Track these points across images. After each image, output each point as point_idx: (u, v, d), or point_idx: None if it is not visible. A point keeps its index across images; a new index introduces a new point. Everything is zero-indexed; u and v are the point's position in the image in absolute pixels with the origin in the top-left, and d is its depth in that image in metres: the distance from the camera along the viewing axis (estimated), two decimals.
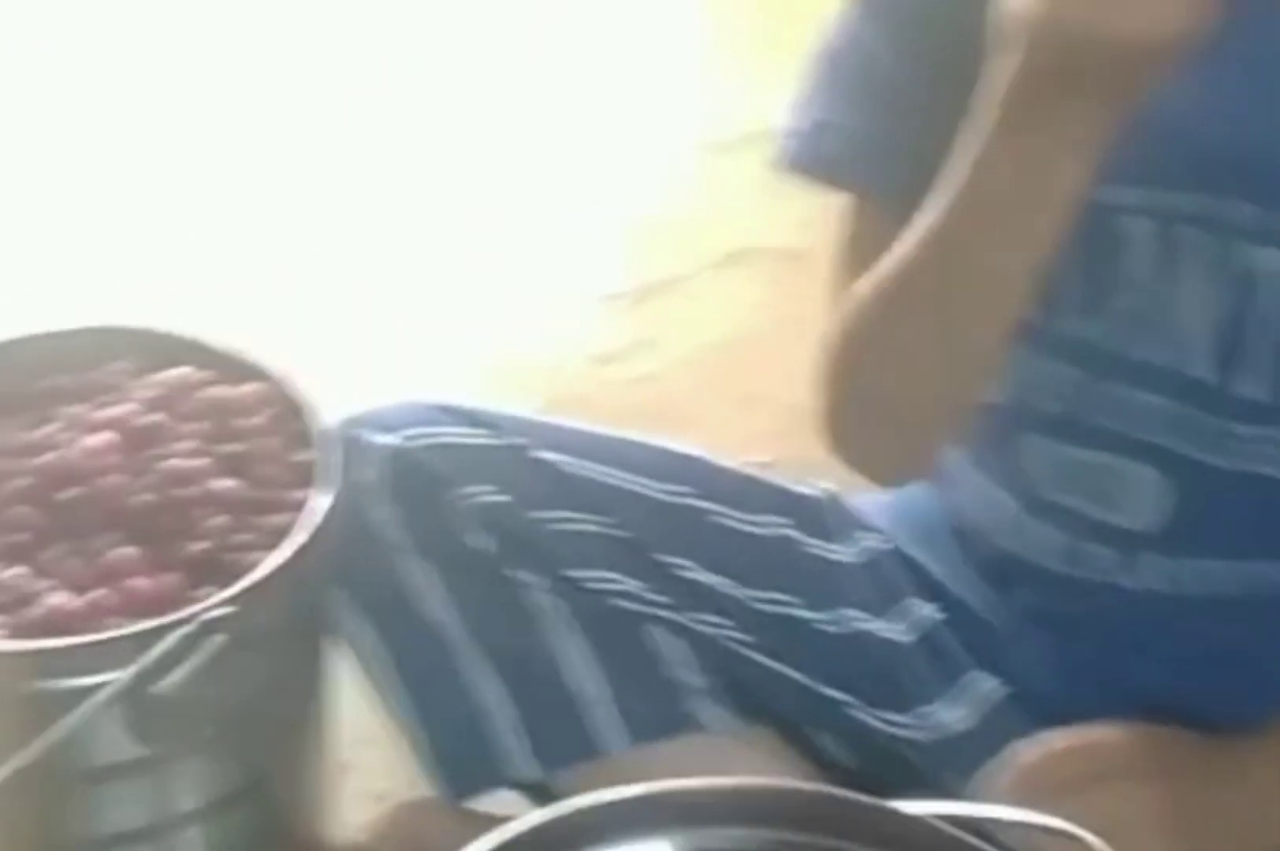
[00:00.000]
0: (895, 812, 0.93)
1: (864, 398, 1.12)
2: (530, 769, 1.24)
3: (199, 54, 2.47)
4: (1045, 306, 1.07)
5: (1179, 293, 1.07)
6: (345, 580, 1.23)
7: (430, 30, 2.61)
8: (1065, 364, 1.11)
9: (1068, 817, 0.91)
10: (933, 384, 1.08)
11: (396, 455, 1.22)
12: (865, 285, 1.09)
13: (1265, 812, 1.09)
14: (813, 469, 1.29)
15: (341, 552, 1.21)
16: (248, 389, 1.23)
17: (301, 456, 1.20)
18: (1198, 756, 1.10)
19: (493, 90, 2.48)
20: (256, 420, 1.22)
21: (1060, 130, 0.97)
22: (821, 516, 1.28)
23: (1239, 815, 1.09)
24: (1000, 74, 0.98)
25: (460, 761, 1.26)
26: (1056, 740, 1.12)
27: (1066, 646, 1.18)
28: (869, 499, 1.29)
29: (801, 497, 1.28)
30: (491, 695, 1.23)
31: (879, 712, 1.21)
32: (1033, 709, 1.17)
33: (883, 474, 1.20)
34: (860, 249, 1.12)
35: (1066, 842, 0.91)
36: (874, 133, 1.11)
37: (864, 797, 0.94)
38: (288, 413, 1.22)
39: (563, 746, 1.23)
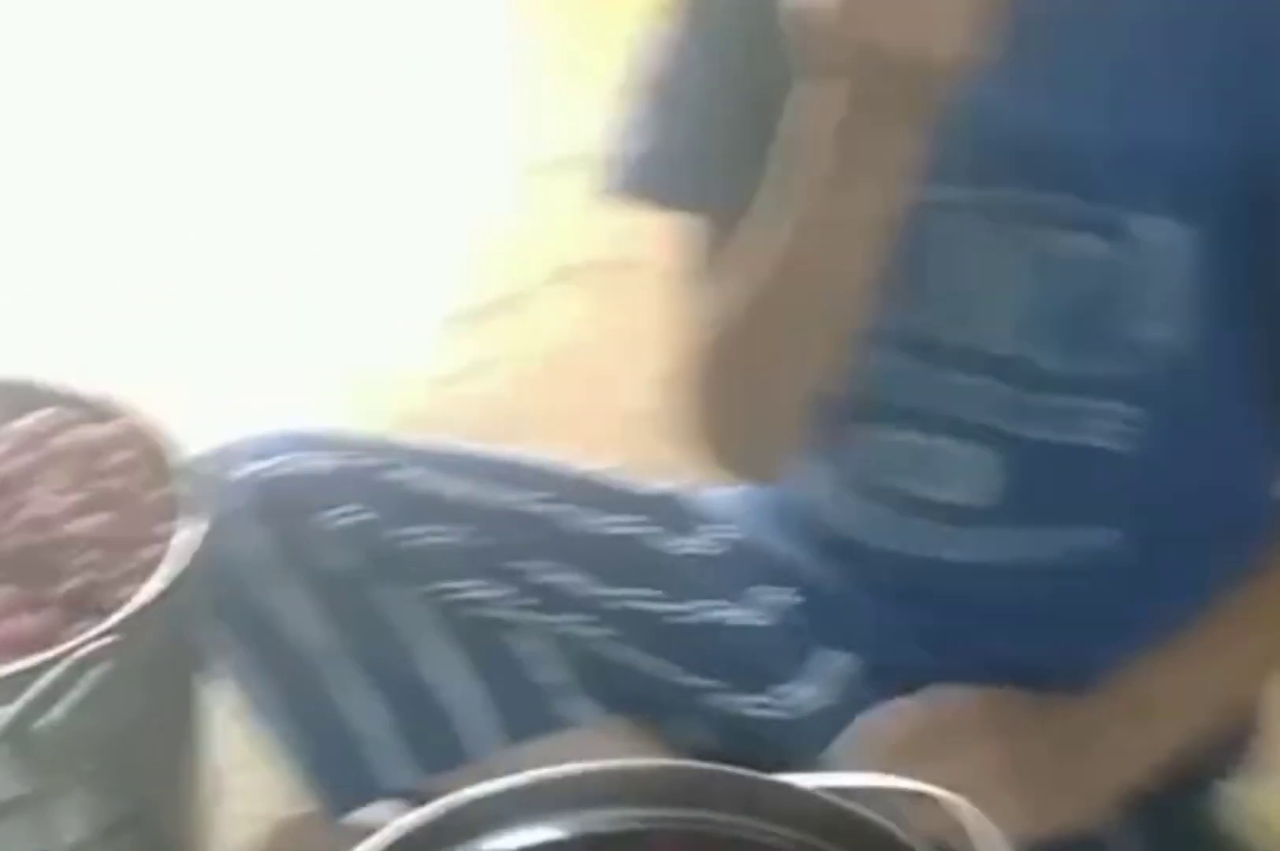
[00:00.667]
0: (781, 785, 0.97)
1: (730, 402, 1.16)
2: (407, 778, 1.27)
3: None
4: (870, 299, 1.11)
5: (996, 279, 1.12)
6: (217, 608, 1.26)
7: (259, 61, 2.62)
8: (890, 352, 1.16)
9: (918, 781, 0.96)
10: (791, 385, 1.13)
11: (261, 484, 1.25)
12: (718, 298, 1.14)
13: (1104, 764, 1.13)
14: (656, 470, 1.34)
15: (212, 581, 1.24)
16: (108, 428, 1.25)
17: (166, 490, 1.23)
18: (1038, 715, 1.15)
19: (316, 124, 2.50)
20: (119, 457, 1.24)
21: (873, 148, 1.02)
22: (671, 513, 1.31)
23: (1080, 769, 1.13)
24: (807, 98, 1.03)
25: (339, 776, 1.29)
26: (901, 707, 1.17)
27: (912, 620, 1.22)
28: (715, 493, 1.34)
29: (651, 496, 1.32)
30: (366, 710, 1.27)
31: (739, 696, 1.25)
32: (887, 682, 1.21)
33: (751, 472, 1.26)
34: (703, 265, 1.17)
35: (922, 806, 0.96)
36: (701, 155, 1.16)
37: (745, 771, 0.98)
38: (149, 448, 1.25)
39: (438, 754, 1.27)
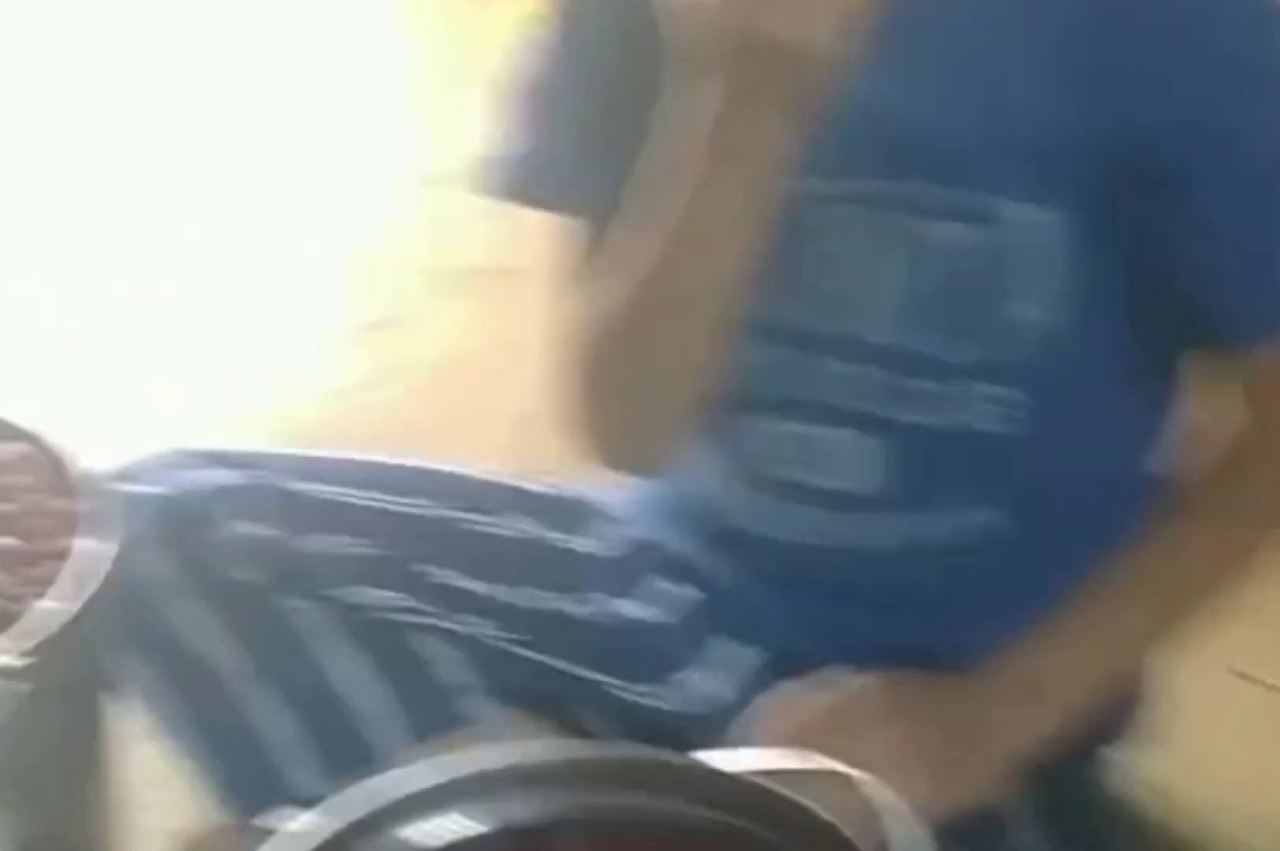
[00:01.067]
0: (705, 767, 0.99)
1: (612, 398, 1.18)
2: (318, 785, 1.27)
3: None
4: (751, 293, 1.13)
5: (869, 268, 1.15)
6: (124, 627, 1.26)
7: (151, 72, 2.61)
8: (769, 343, 1.18)
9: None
10: (672, 379, 1.15)
11: (162, 504, 1.27)
12: (596, 296, 1.16)
13: (996, 740, 1.15)
14: (548, 473, 1.37)
15: (118, 602, 1.26)
16: (11, 448, 1.26)
17: (67, 507, 1.23)
18: (929, 696, 1.16)
19: (204, 137, 2.50)
20: (20, 478, 1.24)
21: (748, 142, 1.05)
22: (565, 513, 1.34)
23: (974, 746, 1.15)
24: (683, 94, 1.05)
25: (251, 787, 1.30)
26: (793, 692, 1.17)
27: (803, 608, 1.24)
28: (607, 492, 1.36)
29: (545, 497, 1.35)
30: (274, 719, 1.28)
31: (639, 689, 1.28)
32: (783, 671, 1.21)
33: (636, 466, 1.27)
34: (582, 265, 1.19)
35: (825, 787, 0.98)
36: (578, 157, 1.18)
37: (669, 754, 1.00)
38: (50, 467, 1.25)
39: (348, 758, 1.27)
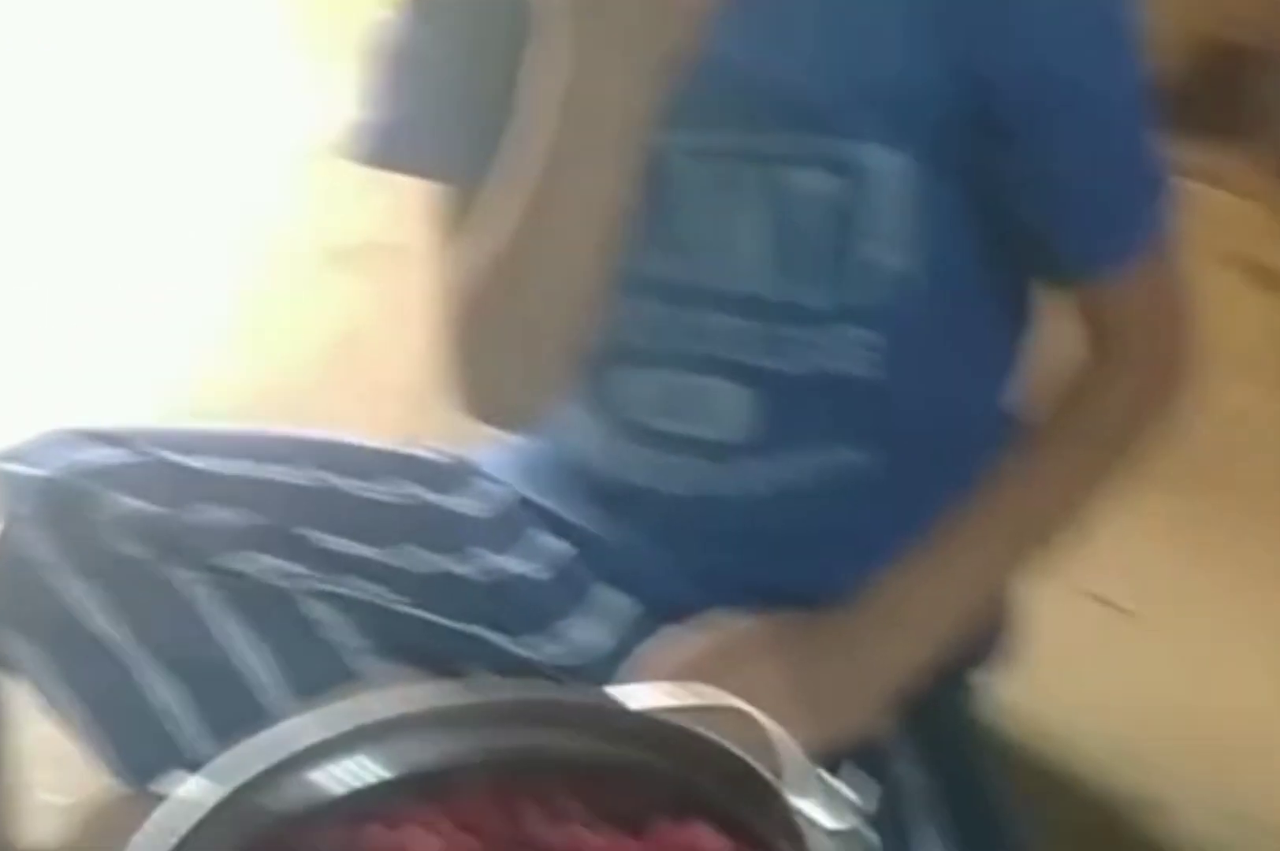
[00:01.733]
0: (613, 705, 1.01)
1: (486, 356, 1.20)
2: (211, 751, 1.30)
3: None
4: (623, 248, 1.15)
5: (734, 220, 1.17)
6: (9, 610, 1.28)
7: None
8: (644, 298, 1.21)
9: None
10: (544, 336, 1.17)
11: (45, 485, 1.27)
12: (467, 257, 1.17)
13: (868, 673, 1.19)
14: (434, 440, 1.38)
15: (4, 582, 1.27)
16: None
17: None
18: (804, 633, 1.20)
19: (78, 118, 2.48)
20: None
21: (611, 98, 1.07)
22: (446, 475, 1.36)
23: (848, 680, 1.19)
24: (545, 53, 1.07)
25: (145, 756, 1.30)
26: (674, 636, 1.21)
27: (682, 555, 1.27)
28: (487, 454, 1.38)
29: (426, 461, 1.37)
30: (166, 689, 1.29)
31: (524, 642, 1.30)
32: (667, 618, 1.25)
33: (509, 422, 1.29)
34: (454, 229, 1.21)
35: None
36: (444, 122, 1.19)
37: (576, 692, 1.05)
38: None
39: (238, 722, 1.27)
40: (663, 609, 1.27)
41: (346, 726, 1.02)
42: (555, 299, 1.16)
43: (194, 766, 1.32)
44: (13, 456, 1.28)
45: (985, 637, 1.31)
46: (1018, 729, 1.36)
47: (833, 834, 0.93)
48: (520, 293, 1.16)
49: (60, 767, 1.43)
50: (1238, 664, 1.62)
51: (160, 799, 1.31)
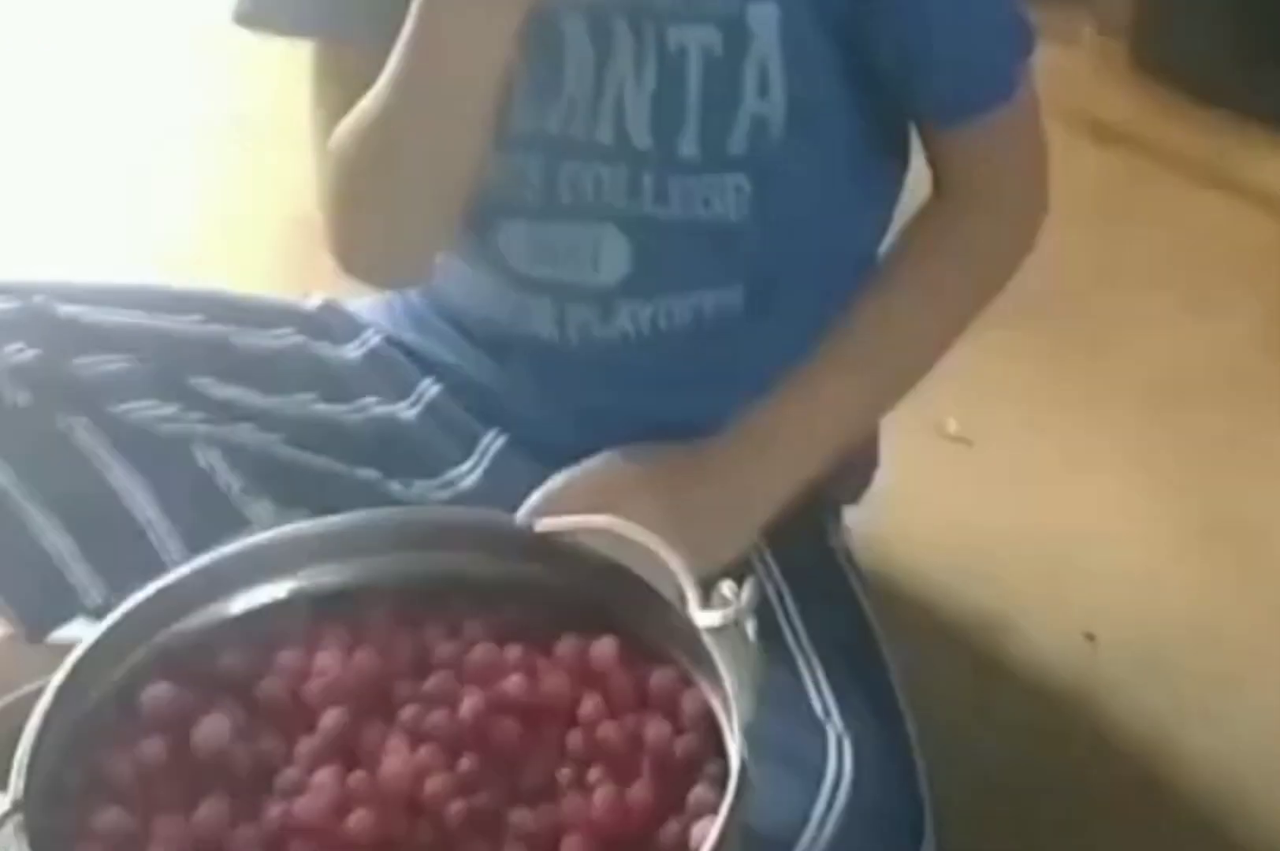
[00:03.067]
0: (523, 527, 1.06)
1: (369, 210, 1.23)
2: (101, 595, 1.31)
3: None
4: (506, 106, 1.19)
5: (616, 75, 1.21)
6: None
7: None
8: (529, 153, 1.24)
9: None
10: (427, 190, 1.20)
11: None
12: (352, 119, 1.20)
13: (742, 499, 1.24)
14: (308, 289, 1.43)
15: None
16: None
17: None
18: (680, 464, 1.25)
19: None
20: None
21: None
22: (325, 323, 1.40)
23: (723, 506, 1.23)
24: None
25: (35, 599, 1.33)
26: (561, 480, 1.24)
27: (563, 395, 1.32)
28: (362, 302, 1.42)
29: (304, 310, 1.41)
30: (56, 536, 1.31)
31: (411, 483, 1.34)
32: (543, 458, 1.28)
33: (389, 282, 1.33)
34: (337, 88, 1.23)
35: None
36: None
37: (488, 514, 1.08)
38: None
39: (130, 568, 1.29)
40: (544, 450, 1.31)
41: (243, 552, 1.06)
42: (429, 161, 1.19)
43: (89, 612, 1.37)
44: None
45: (853, 469, 1.38)
46: (870, 557, 1.42)
47: (717, 630, 0.99)
48: (403, 142, 1.19)
49: None
50: (1075, 489, 1.70)
51: (59, 647, 1.36)
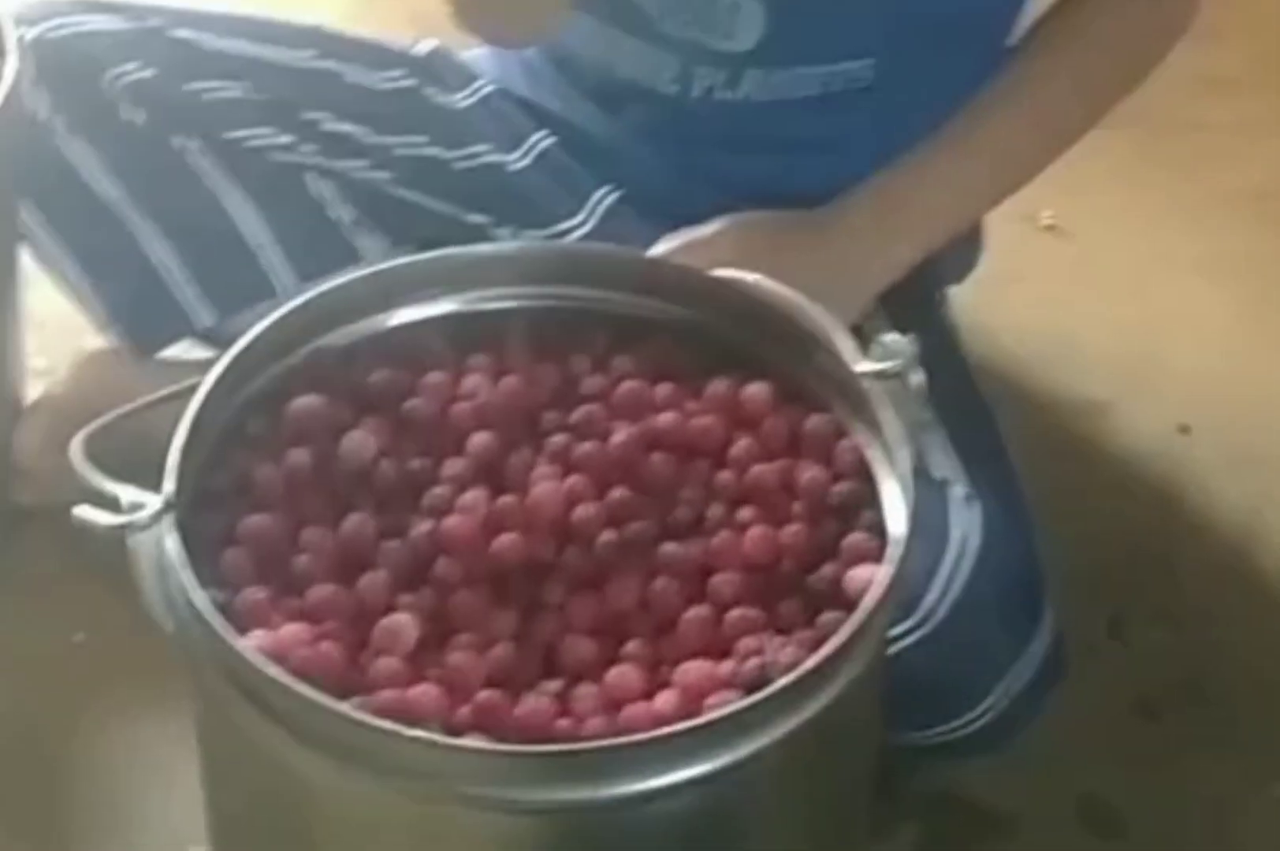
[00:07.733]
0: (679, 267, 1.06)
1: None
2: (209, 315, 1.33)
3: None
4: None
5: None
6: (14, 170, 1.28)
7: None
8: None
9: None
10: None
11: (38, 45, 1.27)
12: None
13: (861, 263, 1.24)
14: (421, 34, 1.38)
15: (11, 140, 1.26)
16: None
17: None
18: (801, 230, 1.24)
19: None
20: None
21: None
22: (438, 69, 1.37)
23: (841, 272, 1.23)
24: None
25: (146, 317, 1.35)
26: (680, 239, 1.23)
27: (677, 153, 1.30)
28: (474, 52, 1.39)
29: (418, 55, 1.37)
30: (165, 253, 1.32)
31: (517, 231, 1.32)
32: (655, 218, 1.27)
33: (512, 40, 1.29)
34: None
35: None
36: None
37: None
38: None
39: (240, 291, 1.33)
40: (656, 209, 1.29)
41: (390, 279, 1.04)
42: None
43: (192, 333, 1.37)
44: (23, 20, 1.28)
45: (958, 248, 1.35)
46: (968, 341, 1.41)
47: (878, 378, 0.98)
48: None
49: (40, 332, 1.45)
50: (1172, 278, 1.68)
51: (171, 364, 1.35)
